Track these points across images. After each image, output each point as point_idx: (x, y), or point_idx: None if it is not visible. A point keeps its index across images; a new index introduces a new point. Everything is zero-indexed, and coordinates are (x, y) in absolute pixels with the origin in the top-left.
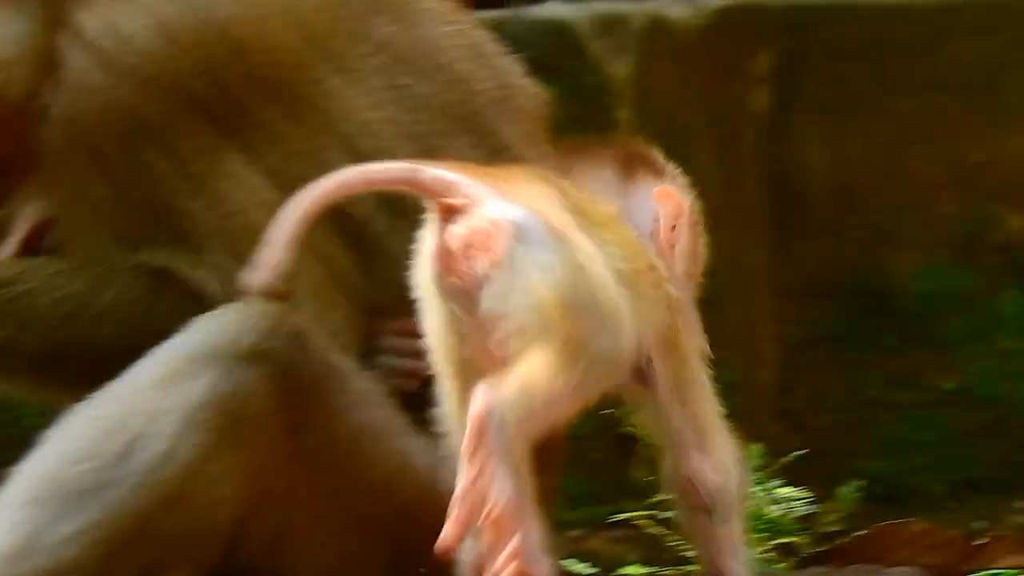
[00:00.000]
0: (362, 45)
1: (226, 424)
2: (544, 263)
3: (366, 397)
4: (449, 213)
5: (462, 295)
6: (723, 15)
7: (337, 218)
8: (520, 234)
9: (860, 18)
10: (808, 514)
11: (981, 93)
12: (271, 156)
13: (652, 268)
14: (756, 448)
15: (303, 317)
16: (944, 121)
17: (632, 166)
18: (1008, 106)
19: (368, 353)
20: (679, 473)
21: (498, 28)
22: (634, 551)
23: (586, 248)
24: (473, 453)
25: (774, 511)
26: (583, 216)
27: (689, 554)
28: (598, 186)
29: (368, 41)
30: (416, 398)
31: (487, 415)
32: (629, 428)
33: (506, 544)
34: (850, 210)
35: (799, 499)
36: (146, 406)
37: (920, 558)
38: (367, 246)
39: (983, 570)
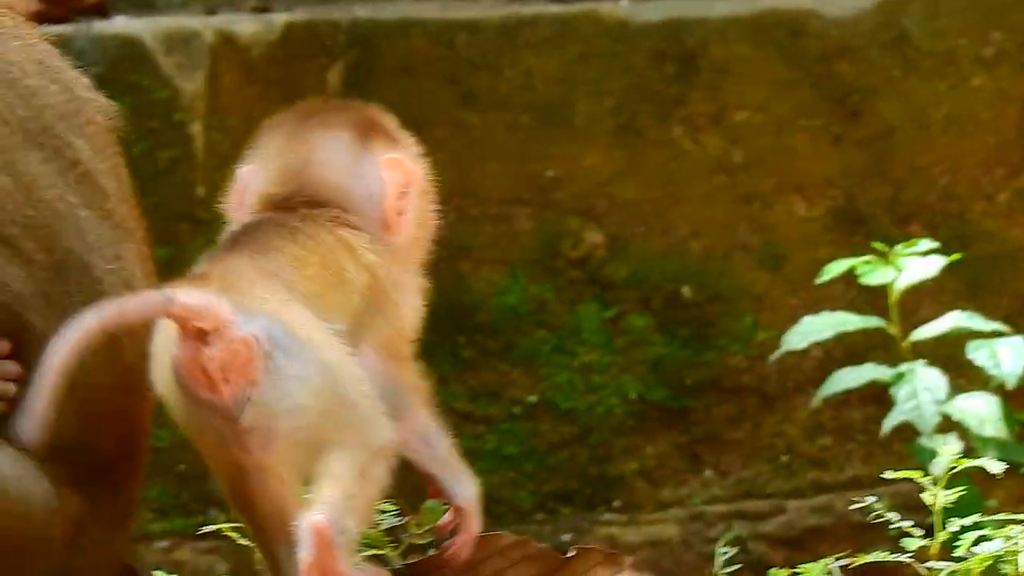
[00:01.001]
0: None
1: None
2: (298, 374)
3: None
4: (200, 335)
5: (220, 411)
6: (292, 30)
7: None
8: (272, 351)
9: (426, 33)
10: (395, 527)
11: (552, 108)
12: None
13: (351, 252)
14: None
15: None
16: (517, 136)
17: (366, 133)
18: (580, 121)
19: None
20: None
21: (66, 43)
22: (222, 562)
23: (324, 338)
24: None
25: None
26: (295, 285)
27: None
28: (332, 151)
29: None
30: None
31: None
32: None
33: None
34: None
35: (386, 512)
36: None
37: (512, 570)
38: None
39: None
